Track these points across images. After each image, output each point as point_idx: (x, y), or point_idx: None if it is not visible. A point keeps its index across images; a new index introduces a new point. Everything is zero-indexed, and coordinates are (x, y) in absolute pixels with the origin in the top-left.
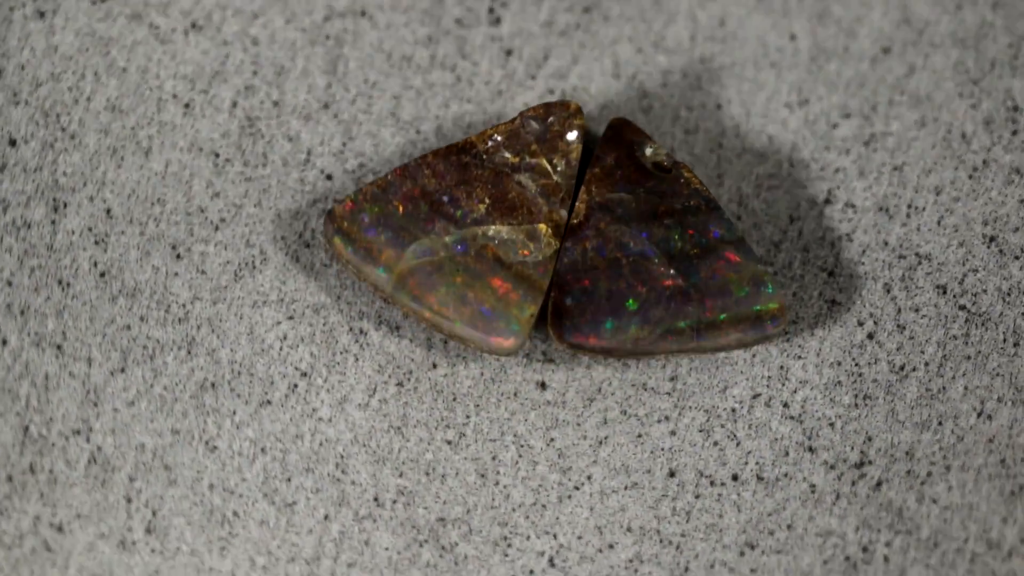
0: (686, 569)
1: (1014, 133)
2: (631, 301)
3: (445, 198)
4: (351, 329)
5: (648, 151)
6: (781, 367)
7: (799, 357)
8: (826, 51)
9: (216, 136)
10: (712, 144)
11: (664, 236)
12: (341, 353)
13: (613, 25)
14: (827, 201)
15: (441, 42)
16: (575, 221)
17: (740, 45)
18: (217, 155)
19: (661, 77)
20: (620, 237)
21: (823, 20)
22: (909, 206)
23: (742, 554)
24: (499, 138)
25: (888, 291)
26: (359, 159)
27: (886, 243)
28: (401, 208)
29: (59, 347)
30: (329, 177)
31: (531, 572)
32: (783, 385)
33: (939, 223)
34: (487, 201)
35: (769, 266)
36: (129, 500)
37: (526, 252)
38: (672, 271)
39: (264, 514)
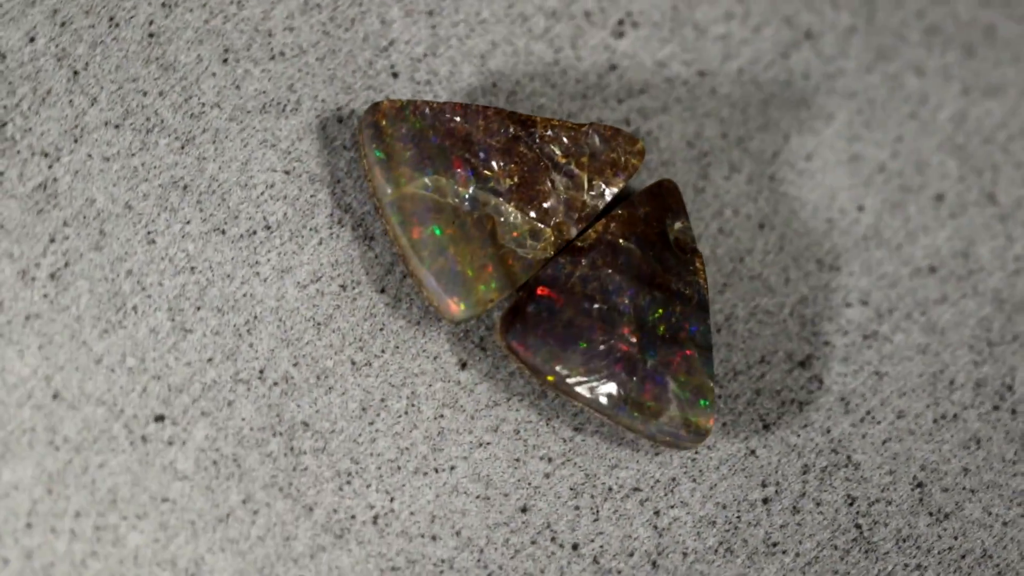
0: None
1: (995, 408)
2: (582, 342)
3: (482, 154)
4: (332, 214)
5: (677, 225)
6: (673, 479)
7: (694, 480)
8: (881, 238)
9: None
10: (735, 255)
11: (646, 305)
12: (311, 229)
13: (716, 100)
14: (801, 364)
15: (562, 22)
16: (580, 244)
17: (811, 187)
18: None
19: (726, 169)
20: (608, 282)
21: (895, 210)
22: (868, 412)
23: None
24: (560, 133)
25: (804, 472)
26: (429, 76)
27: (828, 431)
28: (440, 140)
29: (76, 73)
30: (395, 75)
31: (352, 517)
32: (665, 495)
33: (884, 443)
34: (516, 179)
35: (719, 386)
36: (52, 240)
37: (523, 244)
38: (634, 339)
39: (159, 324)
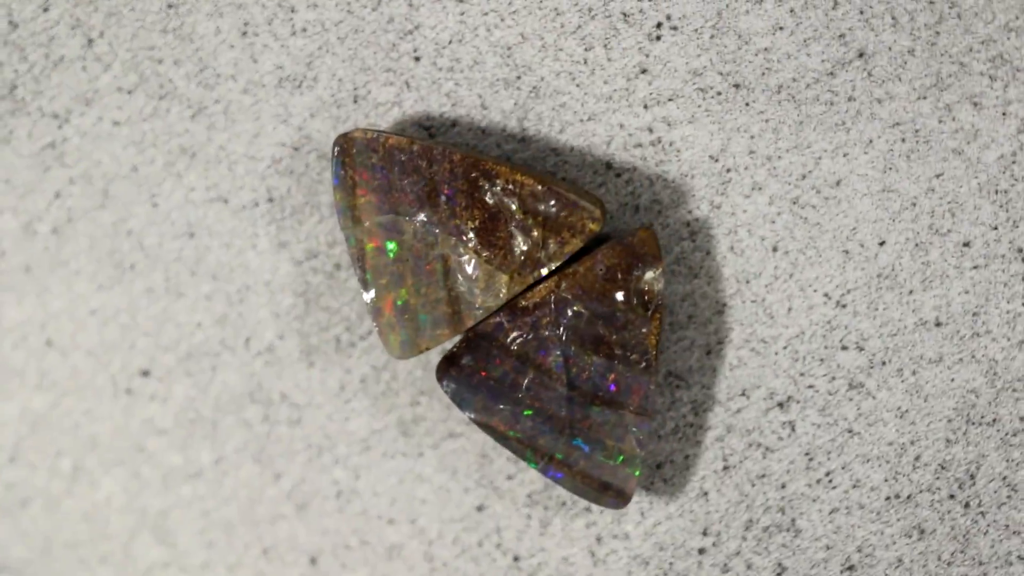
0: None
1: (951, 496)
2: (511, 402)
3: (444, 196)
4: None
5: (648, 275)
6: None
7: (643, 513)
8: (895, 279)
9: None
10: (742, 277)
11: (584, 368)
12: (313, 207)
13: (748, 115)
14: (780, 405)
15: (597, 20)
16: (525, 303)
17: (837, 213)
18: None
19: (749, 187)
20: (549, 344)
21: (916, 252)
22: (827, 474)
23: None
24: (521, 189)
25: (746, 529)
26: (452, 64)
27: (783, 486)
28: (405, 176)
29: (90, 40)
30: (417, 59)
31: (316, 491)
32: (612, 522)
33: (831, 512)
34: (476, 223)
35: (694, 414)
36: (57, 196)
37: (472, 292)
38: (566, 402)
39: (154, 285)
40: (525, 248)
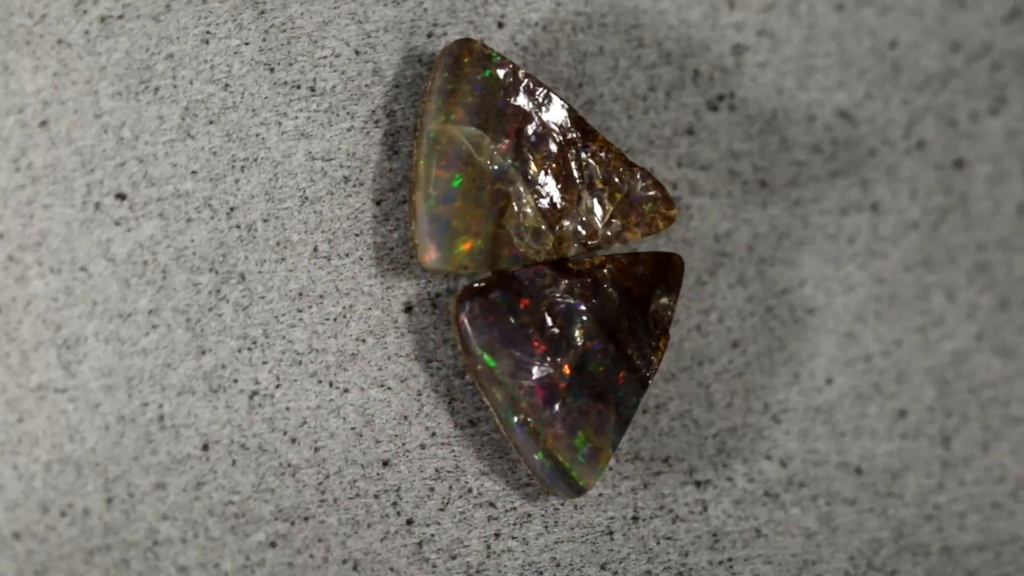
0: (305, 518)
1: (893, 573)
2: (521, 352)
3: (534, 137)
4: (374, 111)
5: (663, 300)
6: (528, 514)
7: (546, 526)
8: (830, 417)
9: None
10: (696, 357)
11: (595, 351)
12: (348, 113)
13: (763, 215)
14: (697, 484)
15: (670, 67)
16: (572, 266)
17: (797, 338)
18: None
19: (735, 279)
20: (574, 313)
21: (857, 402)
22: (729, 559)
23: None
24: (611, 160)
25: None
26: (528, 44)
27: (686, 555)
28: (504, 103)
29: None
30: (501, 26)
31: (235, 381)
32: (513, 524)
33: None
34: (549, 175)
35: (615, 459)
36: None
37: (521, 236)
38: (568, 375)
39: (169, 115)
40: (586, 218)
